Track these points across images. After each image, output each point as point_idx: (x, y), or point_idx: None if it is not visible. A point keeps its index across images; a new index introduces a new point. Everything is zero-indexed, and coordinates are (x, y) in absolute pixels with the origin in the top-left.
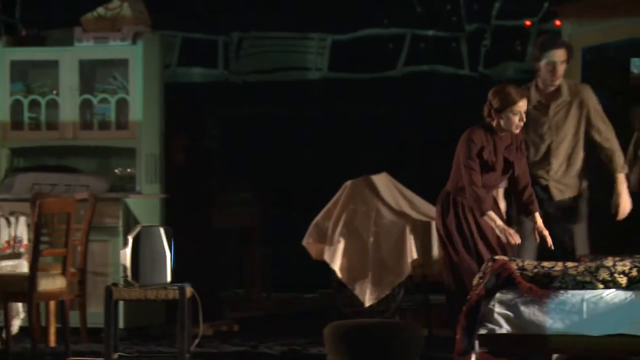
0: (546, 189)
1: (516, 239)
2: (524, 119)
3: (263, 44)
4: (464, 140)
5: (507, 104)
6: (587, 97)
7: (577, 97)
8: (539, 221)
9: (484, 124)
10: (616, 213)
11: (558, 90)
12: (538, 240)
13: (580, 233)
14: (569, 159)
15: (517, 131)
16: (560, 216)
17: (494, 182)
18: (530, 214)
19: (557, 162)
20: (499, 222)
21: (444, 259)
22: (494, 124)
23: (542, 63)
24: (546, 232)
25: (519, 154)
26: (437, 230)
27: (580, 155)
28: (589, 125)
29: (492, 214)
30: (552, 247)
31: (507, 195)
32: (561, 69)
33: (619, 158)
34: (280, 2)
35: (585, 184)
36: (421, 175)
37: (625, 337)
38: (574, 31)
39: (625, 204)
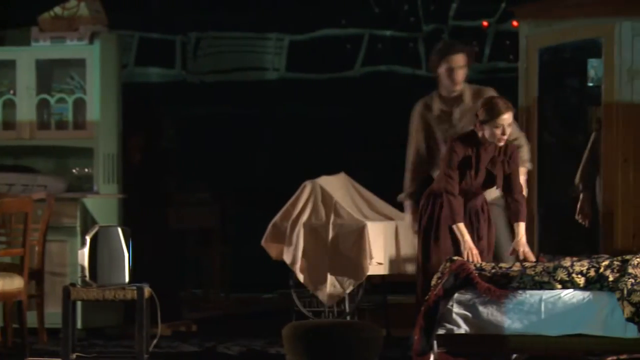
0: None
1: (476, 260)
2: (506, 133)
3: (220, 44)
4: (447, 148)
5: (492, 116)
6: None
7: (480, 100)
8: (520, 234)
9: (470, 133)
10: None
11: (460, 96)
12: (514, 254)
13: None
14: None
15: (501, 144)
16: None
17: (475, 191)
18: (513, 224)
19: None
20: (467, 237)
21: (417, 257)
22: (480, 134)
23: (442, 69)
24: (522, 249)
25: (504, 166)
26: (414, 227)
27: None
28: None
29: (462, 227)
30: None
31: None
32: (461, 74)
33: (525, 153)
34: (237, 2)
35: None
36: (379, 175)
37: (582, 337)
38: (530, 32)
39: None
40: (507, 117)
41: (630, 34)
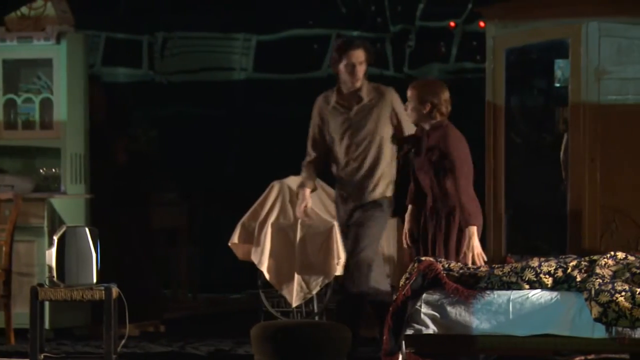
0: (346, 192)
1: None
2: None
3: (188, 44)
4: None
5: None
6: (390, 99)
7: (380, 99)
8: (466, 239)
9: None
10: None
11: (359, 92)
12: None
13: (371, 235)
14: (370, 163)
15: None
16: (354, 218)
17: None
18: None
19: (355, 166)
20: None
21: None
22: None
23: (341, 65)
24: (470, 252)
25: (424, 174)
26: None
27: (384, 160)
28: (396, 126)
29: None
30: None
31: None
32: (360, 70)
33: None
34: (205, 3)
35: (390, 190)
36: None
37: (550, 337)
38: (497, 32)
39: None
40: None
41: (597, 34)
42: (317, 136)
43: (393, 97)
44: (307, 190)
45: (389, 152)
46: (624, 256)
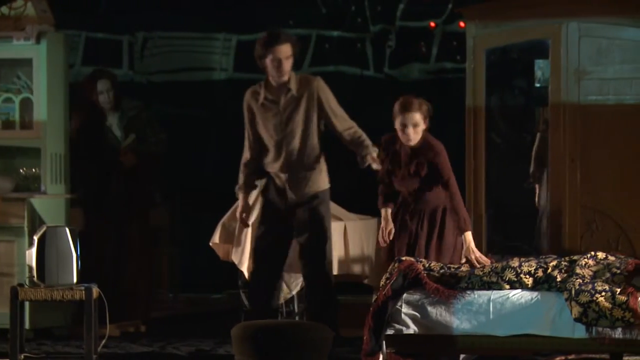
0: (282, 188)
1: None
2: (410, 134)
3: (168, 44)
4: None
5: (394, 116)
6: (317, 89)
7: (307, 90)
8: (466, 245)
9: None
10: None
11: (287, 85)
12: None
13: (317, 232)
14: (303, 155)
15: (410, 144)
16: (298, 216)
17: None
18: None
19: (288, 159)
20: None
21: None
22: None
23: (268, 60)
24: (472, 255)
25: (406, 181)
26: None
27: (315, 152)
28: (326, 116)
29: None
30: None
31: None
32: (287, 64)
33: (367, 139)
34: (185, 3)
35: (327, 182)
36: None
37: (531, 337)
38: (478, 33)
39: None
40: (405, 118)
41: (577, 34)
42: (250, 134)
43: (319, 85)
44: (246, 195)
45: (318, 143)
46: (604, 256)
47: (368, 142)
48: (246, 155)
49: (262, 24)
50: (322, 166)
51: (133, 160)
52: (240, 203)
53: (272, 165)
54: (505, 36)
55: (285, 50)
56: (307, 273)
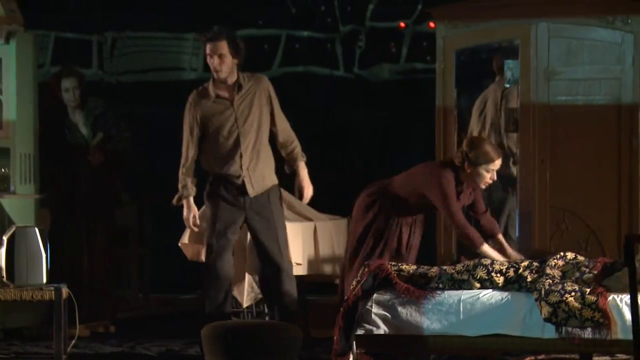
0: (242, 185)
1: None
2: (495, 178)
3: (137, 44)
4: (444, 178)
5: (485, 161)
6: (267, 87)
7: (258, 87)
8: (504, 245)
9: (451, 166)
10: (301, 196)
11: (238, 82)
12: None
13: (273, 229)
14: (258, 151)
15: (484, 187)
16: (253, 212)
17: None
18: (493, 237)
19: (247, 156)
20: (497, 254)
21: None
22: (463, 174)
23: (208, 58)
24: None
25: (468, 192)
26: (356, 224)
27: (267, 148)
28: (272, 115)
29: (487, 248)
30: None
31: None
32: (223, 62)
33: (298, 147)
34: (155, 3)
35: (275, 179)
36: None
37: (501, 337)
38: (447, 33)
39: (308, 188)
40: (497, 163)
41: (547, 35)
42: (194, 137)
43: (268, 83)
44: (192, 199)
45: (267, 139)
46: (573, 256)
47: (299, 149)
48: (188, 157)
49: (231, 24)
50: (272, 161)
51: (101, 159)
52: (188, 207)
53: (227, 163)
54: (475, 36)
55: (222, 47)
56: (266, 267)
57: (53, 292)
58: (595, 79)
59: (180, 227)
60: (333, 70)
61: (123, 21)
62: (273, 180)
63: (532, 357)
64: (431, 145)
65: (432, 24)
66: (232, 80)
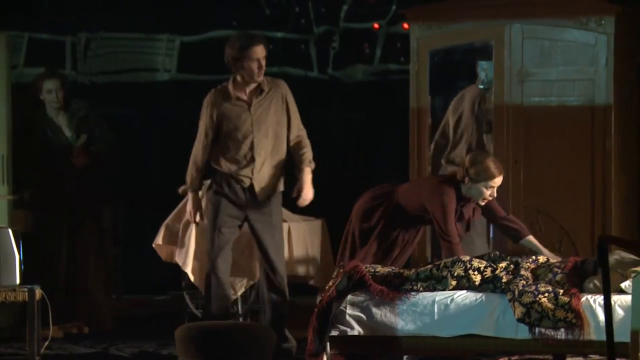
0: (250, 188)
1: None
2: (495, 195)
3: (111, 45)
4: (446, 195)
5: (485, 178)
6: (285, 92)
7: (277, 91)
8: (537, 245)
9: (454, 181)
10: (298, 198)
11: (260, 85)
12: None
13: (273, 231)
14: (271, 156)
15: (483, 203)
16: (258, 215)
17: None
18: (521, 239)
19: (260, 160)
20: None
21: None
22: (464, 188)
23: (246, 60)
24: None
25: (472, 206)
26: (356, 224)
27: (283, 152)
28: (289, 120)
29: None
30: None
31: None
32: (264, 64)
33: (308, 152)
34: (128, 3)
35: (281, 187)
36: None
37: (475, 338)
38: (421, 34)
39: (307, 192)
40: (498, 181)
41: (520, 36)
42: (209, 137)
43: (286, 89)
44: (196, 193)
45: (285, 145)
46: (545, 259)
47: (308, 155)
48: (200, 155)
49: (205, 25)
50: (282, 167)
51: (85, 160)
52: (191, 201)
53: (238, 164)
54: (449, 38)
55: (261, 50)
56: (269, 273)
57: (26, 293)
58: (568, 80)
59: (154, 228)
60: (307, 71)
61: (97, 22)
62: (280, 187)
63: (506, 358)
64: (405, 146)
65: (406, 25)
66: (258, 82)
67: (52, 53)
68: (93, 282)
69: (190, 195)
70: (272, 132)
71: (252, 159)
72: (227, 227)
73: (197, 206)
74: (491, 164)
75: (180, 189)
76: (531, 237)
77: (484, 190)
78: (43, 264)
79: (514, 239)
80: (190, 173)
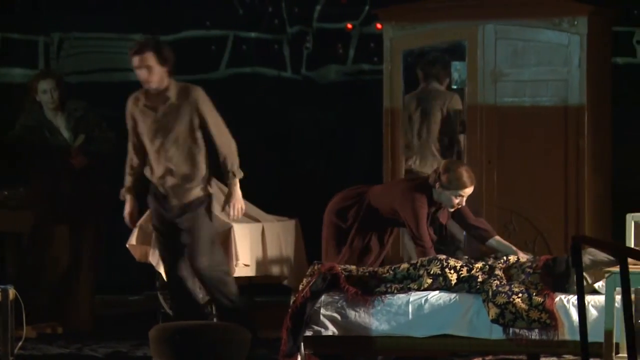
0: (164, 195)
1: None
2: (463, 204)
3: (84, 45)
4: (418, 201)
5: (457, 187)
6: (197, 99)
7: (186, 99)
8: (507, 244)
9: (426, 187)
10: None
11: (166, 92)
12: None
13: (197, 238)
14: (182, 164)
15: (451, 210)
16: (180, 223)
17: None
18: (488, 239)
19: (162, 168)
20: None
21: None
22: (435, 193)
23: (136, 69)
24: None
25: (446, 210)
26: (331, 223)
27: (201, 158)
28: (205, 127)
29: None
30: None
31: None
32: (156, 72)
33: (230, 161)
34: (101, 3)
35: (199, 191)
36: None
37: (449, 338)
38: (395, 34)
39: (235, 204)
40: (468, 191)
41: (493, 36)
42: (135, 140)
43: (199, 95)
44: (133, 197)
45: (201, 151)
46: (515, 259)
47: (230, 163)
48: (134, 160)
49: (178, 25)
50: (201, 175)
51: (84, 161)
52: (129, 204)
53: (153, 171)
54: (422, 38)
55: (137, 60)
56: (200, 277)
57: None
58: (542, 80)
59: (128, 228)
60: (280, 72)
61: (70, 21)
62: (197, 193)
63: (480, 358)
64: (378, 147)
65: (379, 26)
66: (161, 88)
67: (24, 53)
68: (83, 283)
69: (126, 198)
70: (182, 139)
71: (161, 165)
72: (164, 230)
73: (130, 209)
74: (464, 174)
75: (120, 194)
76: (498, 237)
77: (453, 198)
78: (40, 265)
79: (481, 241)
80: (127, 176)
